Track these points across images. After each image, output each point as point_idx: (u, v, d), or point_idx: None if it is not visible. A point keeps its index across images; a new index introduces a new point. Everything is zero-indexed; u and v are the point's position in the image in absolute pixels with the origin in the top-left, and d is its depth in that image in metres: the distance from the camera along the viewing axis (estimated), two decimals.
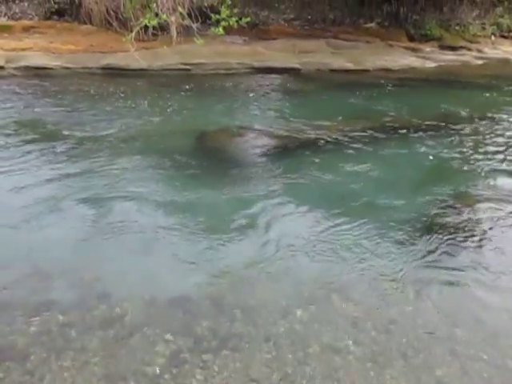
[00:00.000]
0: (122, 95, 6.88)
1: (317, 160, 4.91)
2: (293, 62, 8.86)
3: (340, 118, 5.96)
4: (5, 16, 10.01)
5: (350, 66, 9.19)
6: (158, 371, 2.41)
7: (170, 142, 5.15)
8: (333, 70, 8.94)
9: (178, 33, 8.52)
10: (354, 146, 5.34)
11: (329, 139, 5.46)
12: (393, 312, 2.91)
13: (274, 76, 8.14)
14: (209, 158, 4.92)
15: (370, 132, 5.71)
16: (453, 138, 5.80)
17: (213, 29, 8.55)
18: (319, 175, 4.59)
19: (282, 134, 5.60)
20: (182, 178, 4.40)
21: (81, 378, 2.38)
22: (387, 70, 9.19)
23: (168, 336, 2.63)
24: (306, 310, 2.91)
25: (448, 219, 3.95)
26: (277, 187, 4.32)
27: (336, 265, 3.31)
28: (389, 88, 7.81)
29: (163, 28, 8.78)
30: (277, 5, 12.23)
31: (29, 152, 4.91)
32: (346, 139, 5.45)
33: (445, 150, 5.38)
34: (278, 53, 9.22)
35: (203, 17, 8.89)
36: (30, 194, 4.07)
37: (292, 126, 5.81)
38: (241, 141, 5.36)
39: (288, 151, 5.07)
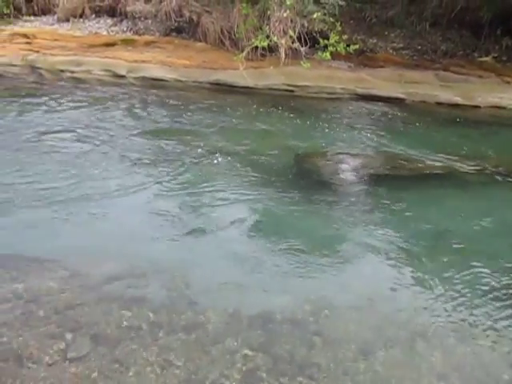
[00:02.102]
0: (228, 110, 7.21)
1: (415, 193, 4.71)
2: (398, 92, 8.64)
3: (443, 153, 5.66)
4: (130, 31, 11.06)
5: (458, 100, 8.74)
6: None
7: (269, 161, 5.26)
8: (439, 103, 8.55)
9: (285, 55, 8.75)
10: (458, 183, 5.03)
11: (429, 173, 5.21)
12: (482, 367, 2.68)
13: (377, 104, 8.00)
14: (305, 179, 4.94)
15: (475, 172, 5.35)
16: None
17: (320, 53, 8.66)
18: (416, 209, 4.40)
19: (381, 162, 5.46)
20: (276, 197, 4.46)
21: (163, 376, 2.50)
22: (500, 107, 8.58)
23: (247, 351, 2.66)
24: (388, 350, 2.79)
25: None
26: (371, 217, 4.21)
27: (424, 309, 3.13)
28: (501, 128, 7.29)
29: (272, 49, 9.06)
30: (386, 33, 12.04)
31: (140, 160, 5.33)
32: (449, 175, 5.16)
33: None
34: (383, 81, 9.06)
35: (311, 41, 9.04)
36: (144, 199, 4.37)
37: (391, 155, 5.65)
38: (339, 165, 5.33)
39: (386, 181, 4.93)
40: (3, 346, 2.62)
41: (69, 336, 2.69)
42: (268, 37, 8.69)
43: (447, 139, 6.51)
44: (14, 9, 11.71)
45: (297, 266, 3.45)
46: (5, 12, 11.58)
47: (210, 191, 4.53)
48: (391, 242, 3.83)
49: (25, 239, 3.60)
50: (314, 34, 8.89)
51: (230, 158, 5.26)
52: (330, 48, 8.62)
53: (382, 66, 9.94)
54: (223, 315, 2.96)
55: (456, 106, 8.48)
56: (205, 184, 4.66)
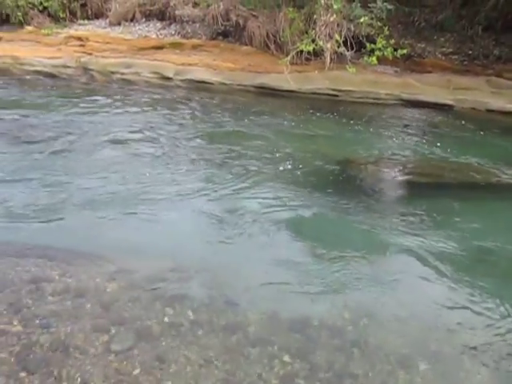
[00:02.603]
0: (271, 114, 7.24)
1: (464, 204, 4.54)
2: (446, 98, 8.39)
3: (495, 162, 5.44)
4: (178, 34, 11.33)
5: (511, 108, 8.39)
6: None
7: (312, 166, 5.25)
8: (490, 111, 8.24)
9: (331, 59, 8.70)
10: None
11: (479, 183, 5.01)
12: None
13: (423, 110, 7.80)
14: (349, 185, 4.89)
15: None
16: None
17: (366, 58, 8.55)
18: (464, 220, 4.24)
19: (427, 171, 5.31)
20: (319, 203, 4.45)
21: (202, 375, 2.54)
22: None
23: (286, 357, 2.67)
24: (430, 365, 2.71)
25: None
26: (415, 226, 4.10)
27: (471, 324, 3.03)
28: None
29: (317, 53, 9.02)
30: (435, 37, 11.71)
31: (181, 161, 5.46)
32: (500, 187, 4.96)
33: None
34: (431, 87, 8.82)
35: (357, 45, 8.93)
36: (195, 201, 4.45)
37: (438, 163, 5.50)
38: (383, 172, 5.24)
39: (432, 189, 4.80)
40: (52, 336, 2.75)
41: (113, 330, 2.79)
42: (314, 41, 8.67)
43: (499, 148, 6.26)
44: (70, 13, 12.26)
45: (337, 273, 3.42)
46: (61, 16, 12.15)
47: (255, 195, 4.57)
48: (436, 253, 3.72)
49: (78, 236, 3.77)
50: (361, 39, 8.78)
51: (273, 163, 5.29)
52: (377, 52, 8.50)
53: (429, 72, 9.68)
54: (262, 318, 2.98)
55: (509, 113, 8.13)
56: (251, 188, 4.71)
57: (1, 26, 12.31)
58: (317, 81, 8.59)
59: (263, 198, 4.49)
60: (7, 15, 12.14)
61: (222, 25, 10.72)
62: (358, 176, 5.08)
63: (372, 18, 8.56)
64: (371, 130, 6.69)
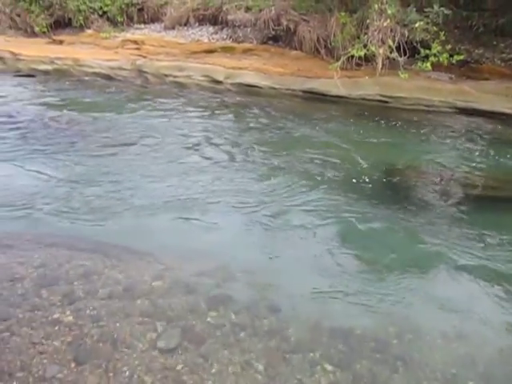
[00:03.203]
0: (320, 120, 7.21)
1: None
2: (504, 107, 8.01)
3: None
4: (230, 39, 11.53)
5: None
6: None
7: (360, 173, 5.17)
8: None
9: (382, 65, 8.55)
10: None
11: None
12: None
13: (479, 119, 7.48)
14: (397, 194, 4.78)
15: None
16: None
17: (420, 63, 8.33)
18: None
19: (482, 183, 5.12)
20: (366, 210, 4.37)
21: (243, 376, 2.57)
22: None
23: (327, 365, 2.65)
24: None
25: None
26: (465, 239, 3.95)
27: None
28: None
29: (368, 59, 8.89)
30: (495, 43, 11.23)
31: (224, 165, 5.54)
32: None
33: None
34: (488, 95, 8.46)
35: (410, 51, 8.72)
36: (245, 206, 4.51)
37: (494, 176, 5.27)
38: (432, 181, 5.08)
39: (484, 201, 4.61)
40: (101, 329, 2.87)
41: (160, 327, 2.88)
42: (365, 46, 8.55)
43: None
44: (127, 17, 12.76)
45: (383, 284, 3.35)
46: (119, 20, 12.66)
47: (304, 201, 4.55)
48: (486, 268, 3.57)
49: (132, 234, 3.91)
50: (415, 44, 8.57)
51: (321, 169, 5.26)
52: (432, 58, 8.27)
53: (486, 79, 9.30)
54: (305, 324, 2.97)
55: None
56: (301, 194, 4.70)
57: (63, 30, 13.01)
58: (367, 86, 8.45)
59: (315, 205, 4.48)
60: (69, 19, 12.81)
61: (272, 29, 10.79)
62: (405, 184, 4.96)
63: (428, 23, 8.34)
64: (421, 137, 6.51)
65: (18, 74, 10.53)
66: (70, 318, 2.94)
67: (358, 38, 8.81)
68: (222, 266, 3.49)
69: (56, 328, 2.85)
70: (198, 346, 2.76)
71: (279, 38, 11.04)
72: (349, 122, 7.21)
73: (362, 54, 8.49)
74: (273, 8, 10.63)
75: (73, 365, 2.59)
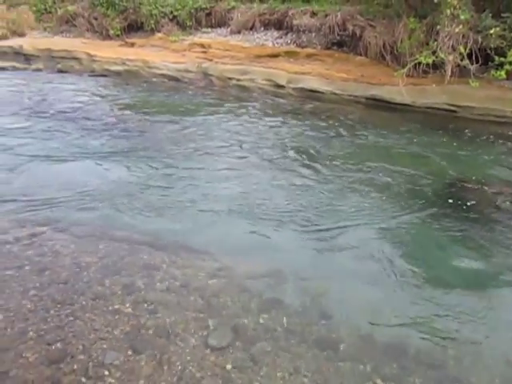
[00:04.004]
0: (383, 128, 7.01)
1: None
2: None
3: None
4: (294, 43, 11.56)
5: None
6: None
7: (422, 185, 4.99)
8: None
9: (452, 73, 8.21)
10: None
11: None
12: None
13: None
14: (459, 208, 4.57)
15: None
16: None
17: (493, 72, 7.90)
18: None
19: None
20: (425, 224, 4.23)
21: (290, 382, 2.58)
22: None
23: (378, 380, 2.59)
24: None
25: None
26: None
27: None
28: None
29: (435, 66, 8.56)
30: None
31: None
32: None
33: None
34: None
35: (483, 58, 8.30)
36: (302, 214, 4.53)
37: None
38: (497, 197, 4.80)
39: None
40: (157, 321, 2.99)
41: (212, 324, 2.95)
42: (434, 53, 8.24)
43: None
44: (195, 21, 13.15)
45: (441, 300, 3.22)
46: (188, 24, 13.08)
47: (359, 211, 4.48)
48: None
49: (190, 232, 4.04)
50: (488, 51, 8.15)
51: (383, 180, 5.15)
52: (507, 66, 7.80)
53: None
54: (356, 336, 2.92)
55: None
56: (358, 204, 4.62)
57: (135, 33, 13.65)
58: (433, 95, 8.14)
59: (362, 214, 4.39)
60: (141, 23, 13.42)
61: (337, 34, 10.69)
62: (469, 198, 4.71)
63: (504, 29, 7.90)
64: (489, 150, 6.17)
65: (93, 73, 11.19)
66: (129, 308, 3.09)
67: (427, 44, 8.50)
68: (277, 270, 3.51)
69: (116, 317, 3.00)
70: (248, 347, 2.80)
71: (344, 43, 10.91)
72: (413, 131, 6.97)
73: (430, 61, 8.18)
74: (339, 13, 10.54)
75: (130, 353, 2.71)
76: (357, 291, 3.34)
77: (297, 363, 2.70)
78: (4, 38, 14.59)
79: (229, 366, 2.66)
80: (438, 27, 8.28)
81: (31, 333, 2.85)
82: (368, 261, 3.68)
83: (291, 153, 5.99)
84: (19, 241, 3.83)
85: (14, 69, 11.69)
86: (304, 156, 5.87)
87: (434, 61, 8.23)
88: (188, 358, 2.70)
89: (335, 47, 11.06)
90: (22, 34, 14.99)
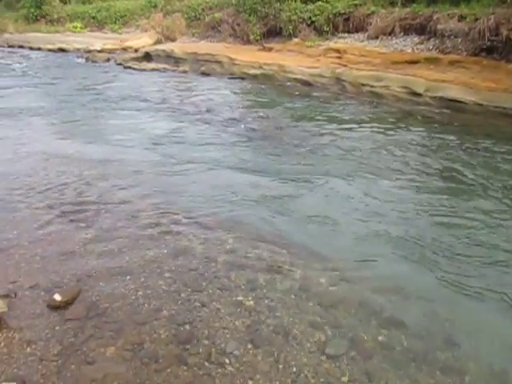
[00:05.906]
0: None
1: None
2: None
3: None
4: (436, 49, 10.83)
5: None
6: None
7: None
8: None
9: None
10: None
11: None
12: None
13: None
14: None
15: None
16: None
17: None
18: None
19: None
20: None
21: None
22: None
23: None
24: None
25: None
26: None
27: None
28: None
29: None
30: None
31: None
32: None
33: None
34: None
35: None
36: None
37: None
38: None
39: None
40: (276, 320, 3.07)
41: (329, 332, 2.95)
42: None
43: None
44: (333, 26, 13.16)
45: None
46: (324, 29, 13.15)
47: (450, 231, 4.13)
48: None
49: (314, 235, 4.11)
50: None
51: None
52: None
53: None
54: (487, 371, 2.67)
55: None
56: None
57: (273, 38, 14.15)
58: None
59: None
60: (280, 28, 13.86)
61: (488, 40, 9.79)
62: None
63: None
64: None
65: (232, 76, 11.90)
66: (251, 302, 3.23)
67: None
68: (400, 288, 3.38)
69: (238, 309, 3.17)
70: (364, 361, 2.74)
71: (495, 49, 9.94)
72: None
73: None
74: (492, 16, 9.64)
75: (249, 346, 2.84)
76: (492, 319, 3.05)
77: None
78: (159, 42, 16.32)
79: (344, 378, 2.63)
80: None
81: (165, 311, 3.15)
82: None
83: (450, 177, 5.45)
84: (159, 226, 4.26)
85: (165, 70, 12.99)
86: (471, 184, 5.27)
87: None
88: (304, 361, 2.73)
89: (484, 54, 10.14)
90: (173, 39, 16.58)
